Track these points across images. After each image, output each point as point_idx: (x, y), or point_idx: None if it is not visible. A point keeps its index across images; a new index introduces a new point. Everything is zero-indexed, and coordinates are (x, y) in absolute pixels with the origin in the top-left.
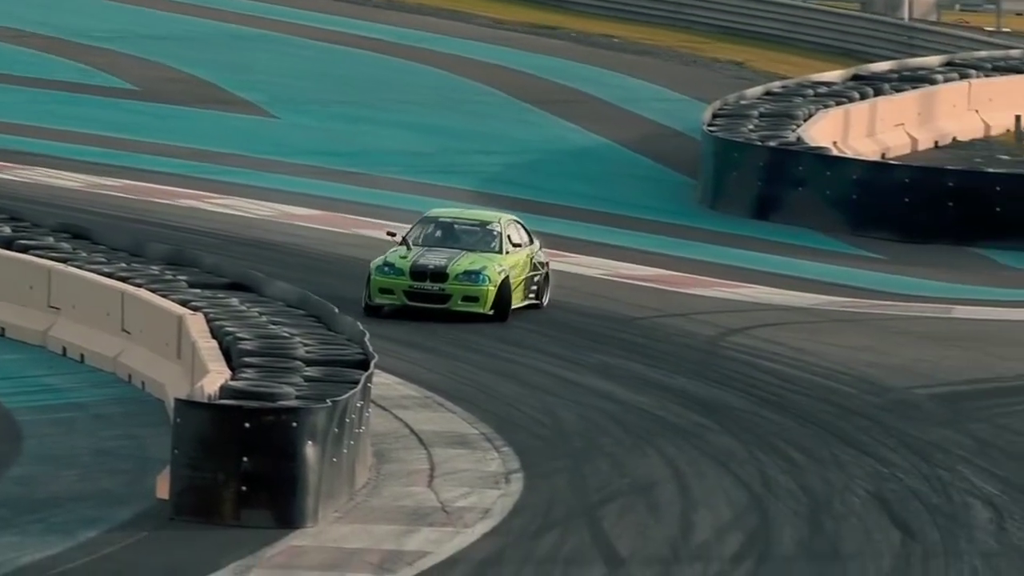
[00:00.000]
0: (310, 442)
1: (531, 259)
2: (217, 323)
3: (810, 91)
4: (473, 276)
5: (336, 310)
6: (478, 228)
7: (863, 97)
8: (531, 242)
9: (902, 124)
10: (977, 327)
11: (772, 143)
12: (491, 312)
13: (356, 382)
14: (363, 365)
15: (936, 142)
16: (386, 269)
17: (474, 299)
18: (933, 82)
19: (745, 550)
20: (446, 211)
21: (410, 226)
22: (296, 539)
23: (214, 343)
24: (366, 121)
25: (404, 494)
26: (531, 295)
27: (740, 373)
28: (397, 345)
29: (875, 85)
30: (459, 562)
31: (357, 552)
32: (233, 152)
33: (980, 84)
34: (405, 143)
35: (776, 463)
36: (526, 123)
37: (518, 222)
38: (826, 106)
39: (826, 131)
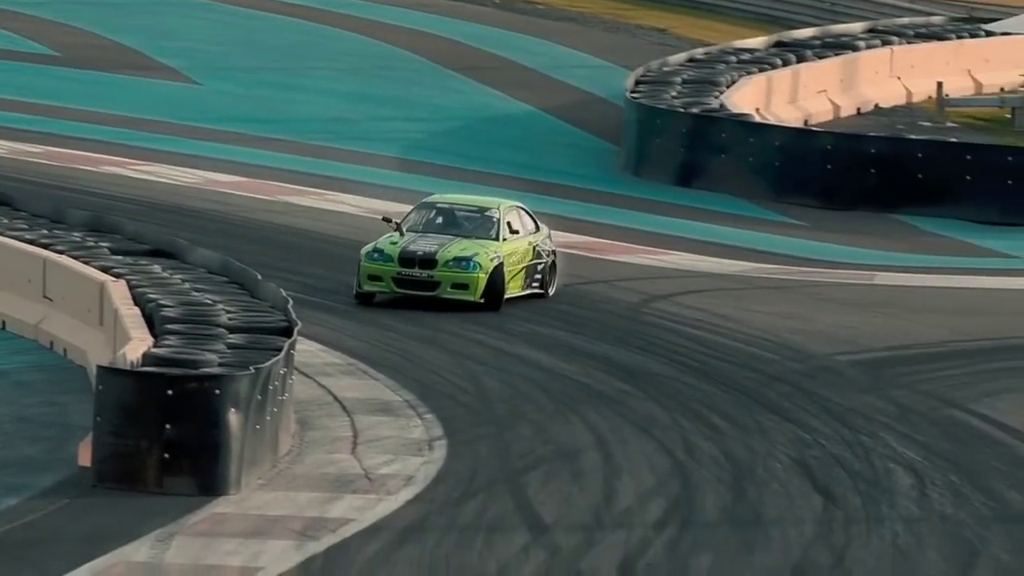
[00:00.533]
0: (233, 409)
1: (533, 247)
2: (139, 290)
3: (733, 58)
4: (463, 263)
5: (259, 277)
6: (476, 214)
7: (786, 64)
8: (536, 229)
9: (824, 91)
10: (899, 293)
11: (695, 110)
12: (482, 300)
13: (279, 349)
14: (286, 332)
15: (858, 109)
16: (375, 255)
17: (464, 287)
18: (855, 49)
19: (668, 516)
20: (444, 196)
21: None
22: (219, 506)
23: (136, 310)
24: (291, 88)
25: (327, 461)
26: (534, 284)
27: (664, 340)
28: (321, 312)
29: (798, 52)
30: (382, 529)
31: (280, 519)
32: (157, 119)
33: (902, 51)
34: (330, 110)
35: (699, 429)
36: (451, 90)
37: (522, 208)
38: (749, 73)
39: (749, 98)
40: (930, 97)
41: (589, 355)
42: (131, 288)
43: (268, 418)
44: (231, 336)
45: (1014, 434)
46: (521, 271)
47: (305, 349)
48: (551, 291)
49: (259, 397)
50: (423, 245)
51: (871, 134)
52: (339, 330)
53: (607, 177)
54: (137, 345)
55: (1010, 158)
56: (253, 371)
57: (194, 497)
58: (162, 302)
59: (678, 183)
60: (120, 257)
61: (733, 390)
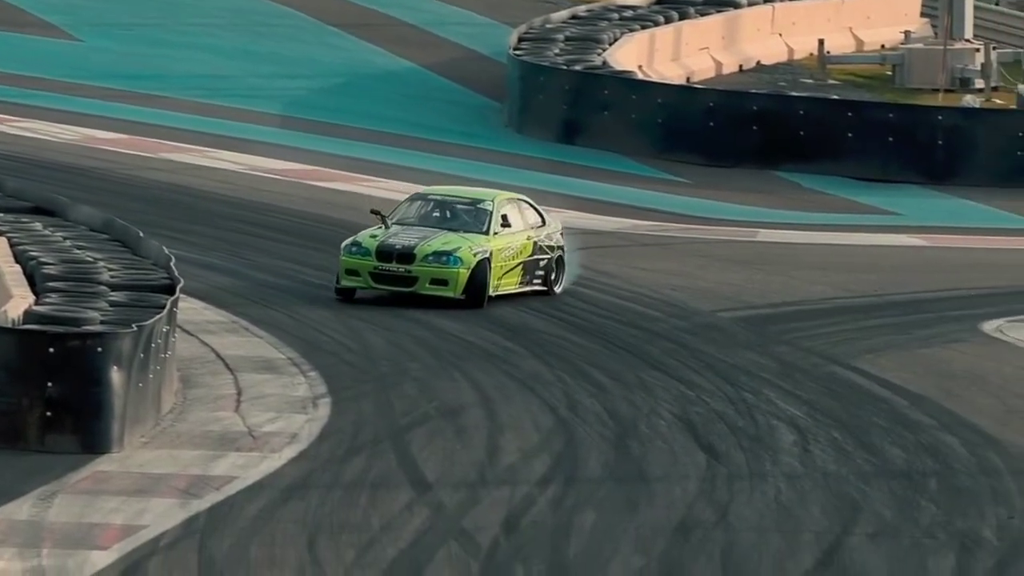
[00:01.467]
0: (115, 367)
1: (534, 242)
2: (20, 247)
3: (615, 15)
4: (443, 257)
5: (141, 234)
6: (468, 207)
7: (668, 21)
8: (543, 223)
9: (707, 48)
10: (782, 250)
11: (578, 67)
12: (462, 297)
13: (162, 307)
14: (169, 290)
15: (740, 66)
16: (353, 249)
17: (443, 283)
18: (737, 6)
19: (552, 473)
20: (438, 188)
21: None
22: (102, 464)
23: (17, 268)
24: (169, 44)
25: (211, 419)
26: (536, 281)
27: (548, 298)
28: (203, 270)
29: (680, 9)
30: (266, 487)
31: (163, 477)
32: (36, 75)
33: (784, 8)
34: (209, 67)
35: (583, 387)
36: (332, 47)
37: (524, 201)
38: (631, 30)
39: (631, 55)
40: (812, 54)
41: (473, 312)
42: (12, 245)
43: (151, 376)
44: (113, 294)
45: (896, 390)
46: (517, 267)
47: (188, 306)
48: (558, 288)
49: (142, 355)
50: (404, 238)
51: (753, 91)
52: (222, 287)
53: (490, 134)
54: (18, 303)
55: (891, 115)
56: (135, 329)
57: (76, 455)
58: (43, 259)
59: (561, 140)
60: (0, 214)
61: (617, 347)
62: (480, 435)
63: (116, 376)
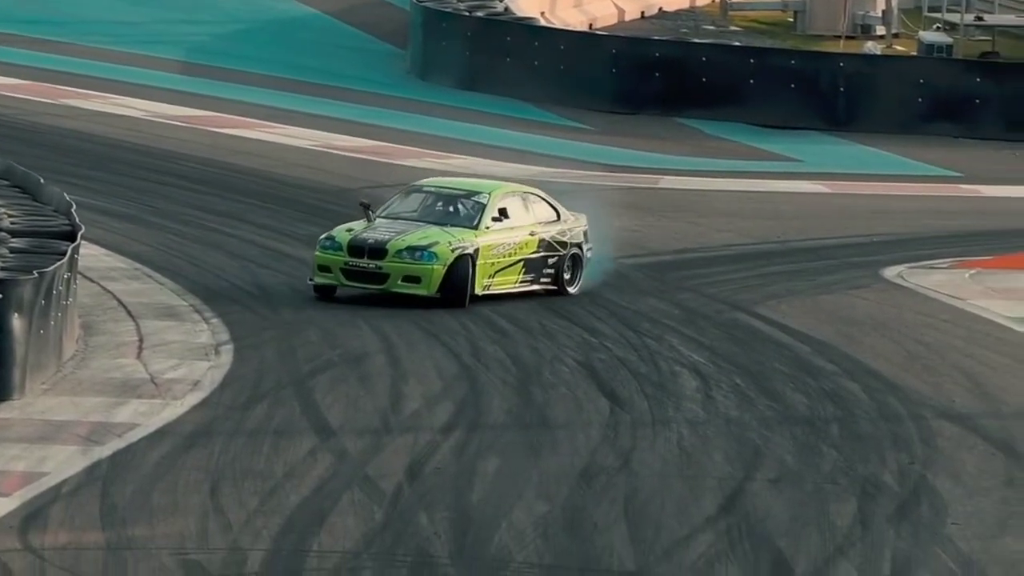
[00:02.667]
0: (16, 314)
1: (540, 238)
2: None
3: None
4: (417, 253)
5: (42, 180)
6: (461, 199)
7: None
8: (557, 218)
9: None
10: (684, 197)
11: (480, 13)
12: (438, 295)
13: (63, 253)
14: (70, 236)
15: (643, 12)
16: (326, 243)
17: (416, 279)
18: None
19: (455, 420)
20: (435, 180)
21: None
22: (2, 412)
23: None
24: None
25: (113, 366)
26: (544, 279)
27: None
28: (105, 216)
29: None
30: (168, 434)
31: (65, 424)
32: None
33: None
34: (111, 12)
35: (486, 334)
36: None
37: (535, 195)
38: None
39: (534, 2)
40: (714, 1)
41: None
42: None
43: (52, 323)
44: (13, 240)
45: (798, 337)
46: (515, 264)
47: (89, 253)
48: (573, 289)
49: (43, 302)
50: (379, 232)
51: (656, 38)
52: (124, 234)
53: (393, 81)
54: None
55: (793, 61)
56: (36, 275)
57: None
58: None
59: (464, 87)
60: None
61: (520, 294)
62: (383, 382)
63: (17, 323)
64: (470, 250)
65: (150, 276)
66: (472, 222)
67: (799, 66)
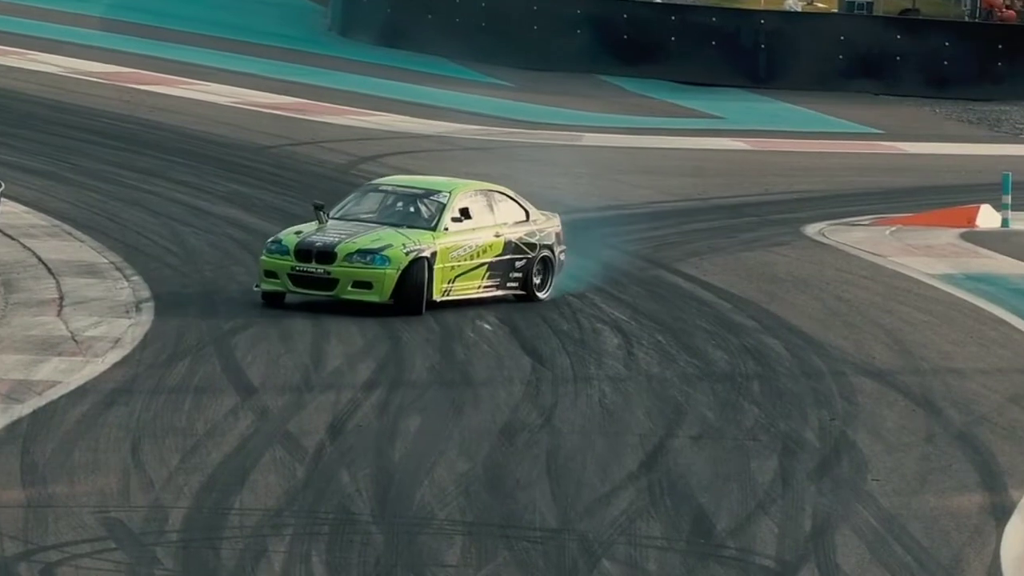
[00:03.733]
0: None
1: (506, 239)
2: None
3: None
4: (368, 257)
5: None
6: (420, 198)
7: None
8: (526, 219)
9: None
10: (606, 154)
11: None
12: (391, 302)
13: None
14: None
15: None
16: (272, 247)
17: (367, 285)
18: None
19: (377, 378)
20: (393, 178)
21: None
22: None
23: None
24: None
25: (33, 324)
26: (511, 284)
27: None
28: (24, 173)
29: None
30: (89, 391)
31: None
32: None
33: None
34: None
35: None
36: None
37: (500, 192)
38: None
39: None
40: None
41: (297, 217)
42: None
43: None
44: None
45: (719, 293)
46: (478, 268)
47: (8, 210)
48: (543, 294)
49: None
50: (329, 235)
51: None
52: (44, 191)
53: (313, 37)
54: None
55: (714, 19)
56: None
57: None
58: None
59: (384, 43)
60: None
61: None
62: (305, 340)
63: None
64: (426, 253)
65: (70, 234)
66: (430, 223)
67: (720, 23)
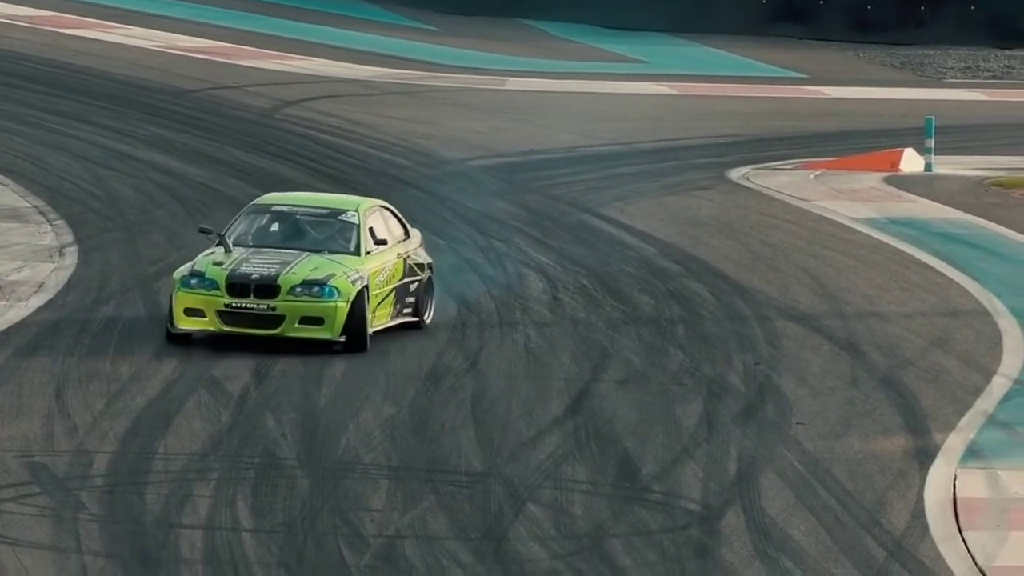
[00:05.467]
0: None
1: (404, 260)
2: None
3: None
4: (315, 288)
5: None
6: (327, 219)
7: None
8: (406, 235)
9: None
10: (530, 99)
11: None
12: (342, 339)
13: None
14: None
15: None
16: (193, 282)
17: (318, 321)
18: None
19: None
20: (282, 196)
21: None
22: None
23: None
24: None
25: None
26: (406, 310)
27: (296, 145)
28: None
29: None
30: (12, 336)
31: None
32: None
33: None
34: None
35: None
36: None
37: (387, 208)
38: None
39: None
40: None
41: (221, 161)
42: None
43: None
44: None
45: (644, 238)
46: (390, 294)
47: None
48: (428, 317)
49: None
50: (259, 265)
51: None
52: None
53: None
54: None
55: None
56: None
57: None
58: None
59: None
60: None
61: (366, 196)
62: None
63: None
64: (365, 281)
65: None
66: (350, 246)
67: None
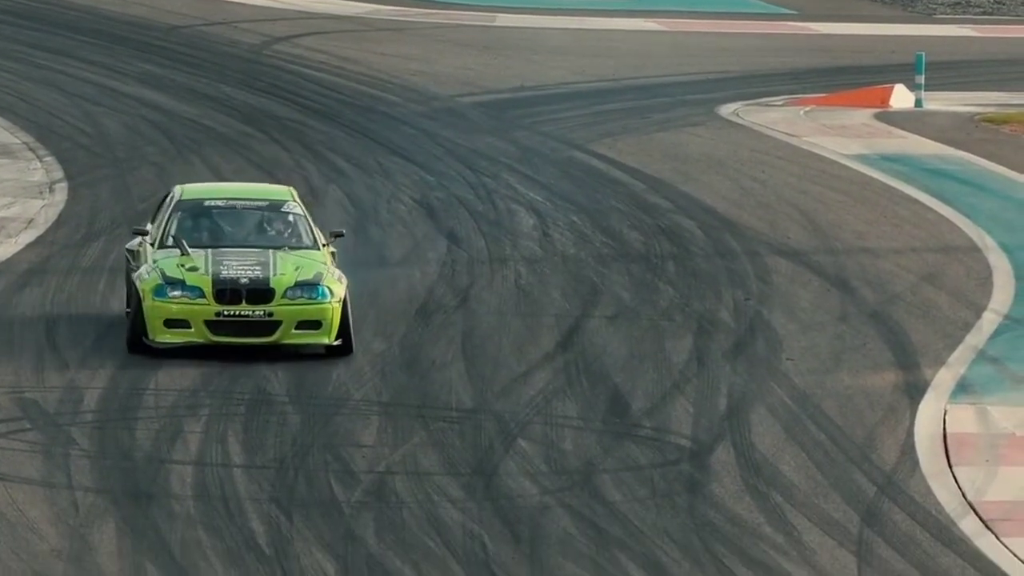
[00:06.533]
0: None
1: (333, 253)
2: None
3: None
4: (309, 289)
5: None
6: (269, 211)
7: None
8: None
9: None
10: (520, 35)
11: None
12: (338, 343)
13: None
14: None
15: None
16: (169, 289)
17: (315, 325)
18: None
19: None
20: (205, 189)
21: (160, 217)
22: None
23: None
24: None
25: None
26: None
27: (286, 82)
28: None
29: None
30: (3, 272)
31: None
32: None
33: None
34: None
35: (323, 172)
36: None
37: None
38: None
39: None
40: None
41: (210, 98)
42: None
43: None
44: None
45: (634, 174)
46: None
47: None
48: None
49: None
50: (238, 266)
51: None
52: None
53: None
54: None
55: None
56: None
57: None
58: None
59: None
60: None
61: (357, 133)
62: None
63: None
64: (344, 278)
65: None
66: (306, 240)
67: None
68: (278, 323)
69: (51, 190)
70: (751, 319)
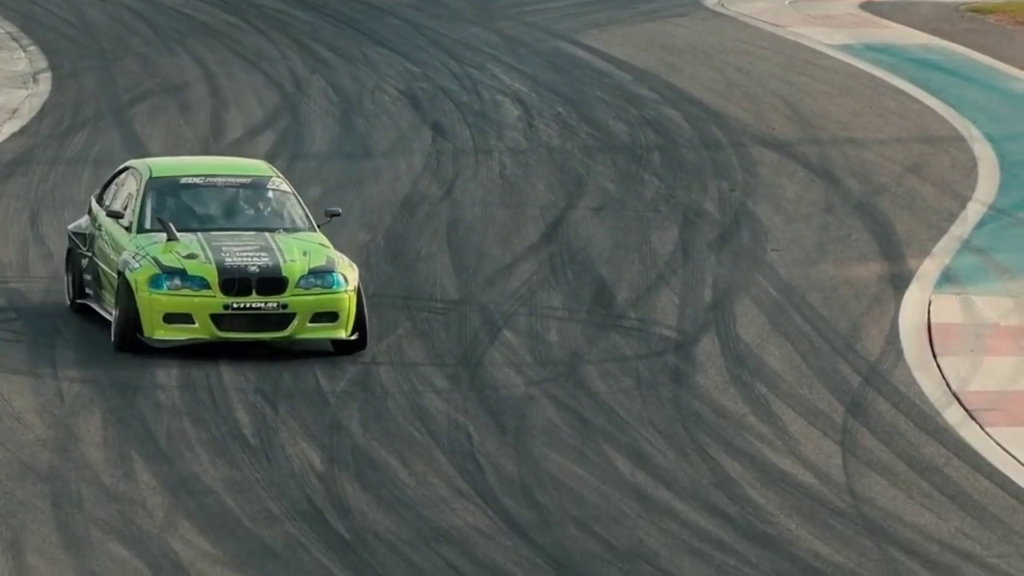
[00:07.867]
0: None
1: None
2: None
3: None
4: (324, 277)
5: None
6: (253, 188)
7: None
8: None
9: None
10: None
11: None
12: (354, 337)
13: None
14: None
15: None
16: (167, 280)
17: (332, 316)
18: None
19: (277, 149)
20: (175, 164)
21: (130, 200)
22: None
23: None
24: None
25: None
26: None
27: None
28: None
29: None
30: None
31: None
32: None
33: None
34: None
35: (307, 63)
36: None
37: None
38: None
39: None
40: None
41: None
42: None
43: None
44: None
45: (620, 65)
46: None
47: None
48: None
49: None
50: (240, 253)
51: None
52: None
53: None
54: None
55: None
56: None
57: None
58: None
59: None
60: None
61: (341, 23)
62: (204, 111)
63: None
64: (354, 264)
65: None
66: (300, 221)
67: None
68: (292, 315)
69: (35, 80)
70: (736, 210)
